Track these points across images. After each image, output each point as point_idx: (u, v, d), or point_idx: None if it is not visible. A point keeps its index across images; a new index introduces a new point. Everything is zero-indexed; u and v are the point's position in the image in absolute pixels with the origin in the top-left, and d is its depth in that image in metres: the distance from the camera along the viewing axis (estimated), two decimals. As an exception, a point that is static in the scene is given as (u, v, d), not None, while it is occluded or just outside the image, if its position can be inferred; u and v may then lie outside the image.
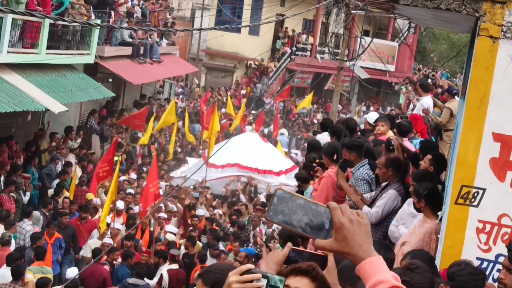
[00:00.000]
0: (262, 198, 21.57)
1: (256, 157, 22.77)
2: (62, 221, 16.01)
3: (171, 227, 16.76)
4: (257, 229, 16.61)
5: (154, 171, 17.29)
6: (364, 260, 2.26)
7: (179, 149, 28.09)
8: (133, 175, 21.77)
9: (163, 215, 17.17)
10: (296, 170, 22.72)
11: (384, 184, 8.62)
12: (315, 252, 2.80)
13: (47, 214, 16.93)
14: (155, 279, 13.53)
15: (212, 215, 18.29)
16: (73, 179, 18.79)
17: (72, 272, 12.57)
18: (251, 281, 2.59)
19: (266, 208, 2.52)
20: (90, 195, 18.51)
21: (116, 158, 19.31)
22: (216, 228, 16.83)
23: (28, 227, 15.53)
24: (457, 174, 5.93)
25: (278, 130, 31.79)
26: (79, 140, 22.40)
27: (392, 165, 8.45)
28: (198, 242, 15.51)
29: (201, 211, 18.17)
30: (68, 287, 11.25)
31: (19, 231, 15.29)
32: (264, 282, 2.60)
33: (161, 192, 19.38)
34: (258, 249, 11.65)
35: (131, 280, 12.78)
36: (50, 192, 18.59)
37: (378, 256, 2.27)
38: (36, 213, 16.61)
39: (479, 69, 5.84)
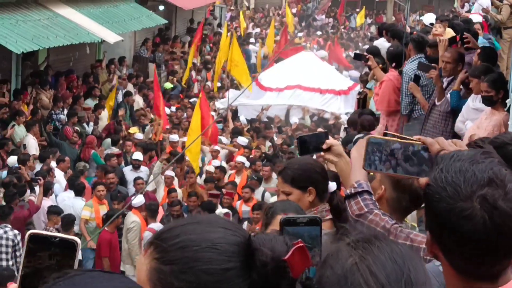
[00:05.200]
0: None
1: (316, 76, 21.82)
2: (111, 164, 14.93)
3: None
4: None
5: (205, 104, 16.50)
6: None
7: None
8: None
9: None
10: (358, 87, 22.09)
11: (449, 78, 8.51)
12: None
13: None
14: None
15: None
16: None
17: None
18: None
19: (363, 158, 2.42)
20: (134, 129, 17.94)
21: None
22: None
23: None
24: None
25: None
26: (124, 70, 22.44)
27: (462, 60, 8.38)
28: None
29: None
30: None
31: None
32: None
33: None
34: None
35: None
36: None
37: None
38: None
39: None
